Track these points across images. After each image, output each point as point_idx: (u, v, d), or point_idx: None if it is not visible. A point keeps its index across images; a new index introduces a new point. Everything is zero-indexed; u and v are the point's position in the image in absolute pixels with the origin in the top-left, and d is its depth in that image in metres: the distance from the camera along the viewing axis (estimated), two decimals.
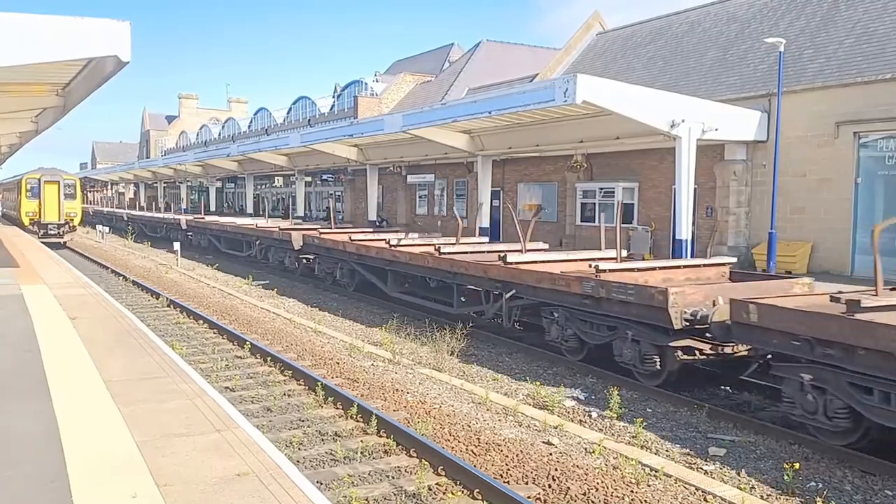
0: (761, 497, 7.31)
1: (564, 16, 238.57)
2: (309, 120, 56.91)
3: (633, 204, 25.56)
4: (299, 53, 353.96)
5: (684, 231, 19.59)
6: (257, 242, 27.64)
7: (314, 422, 9.27)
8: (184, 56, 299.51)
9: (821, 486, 7.63)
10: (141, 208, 66.50)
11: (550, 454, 8.16)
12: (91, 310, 13.30)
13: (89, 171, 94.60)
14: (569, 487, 7.18)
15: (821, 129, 20.38)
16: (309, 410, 9.69)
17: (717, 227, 18.17)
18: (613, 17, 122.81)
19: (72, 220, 40.16)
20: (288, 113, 61.92)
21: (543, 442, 8.61)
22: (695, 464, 8.21)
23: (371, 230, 26.90)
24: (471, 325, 14.65)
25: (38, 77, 13.76)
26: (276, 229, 26.52)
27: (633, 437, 8.95)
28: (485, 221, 27.02)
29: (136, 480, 5.44)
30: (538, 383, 11.07)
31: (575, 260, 14.79)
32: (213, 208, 53.76)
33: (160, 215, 46.95)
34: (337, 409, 9.70)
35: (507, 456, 8.04)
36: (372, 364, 12.46)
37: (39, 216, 39.24)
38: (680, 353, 10.44)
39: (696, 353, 10.46)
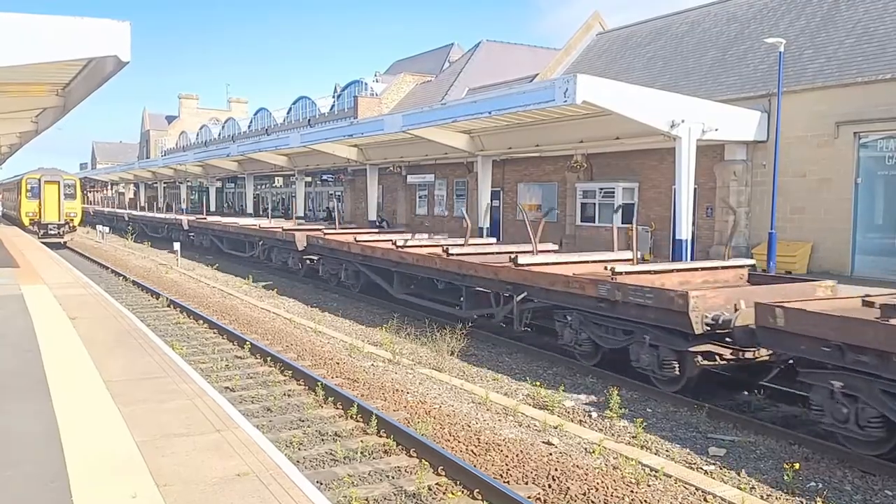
0: (761, 497, 7.30)
1: (564, 16, 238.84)
2: (309, 120, 56.94)
3: (633, 204, 25.58)
4: (299, 53, 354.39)
5: (684, 231, 19.60)
6: (260, 243, 27.40)
7: (314, 422, 9.27)
8: (184, 56, 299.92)
9: (821, 486, 7.63)
10: (142, 208, 66.53)
11: (550, 454, 8.15)
12: (91, 310, 13.30)
13: (89, 172, 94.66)
14: (569, 487, 7.18)
15: (821, 129, 20.39)
16: (309, 410, 9.68)
17: (735, 227, 17.39)
18: (613, 18, 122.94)
19: (72, 220, 40.16)
20: (288, 113, 61.97)
21: (543, 442, 8.61)
22: (695, 464, 8.21)
23: (377, 231, 26.86)
24: (470, 324, 14.64)
25: (38, 77, 13.77)
26: (280, 230, 26.27)
27: (633, 437, 8.94)
28: (486, 222, 27.02)
29: (136, 480, 5.44)
30: (538, 383, 11.06)
31: (588, 262, 14.41)
32: (213, 208, 53.79)
33: (162, 216, 46.84)
34: (337, 409, 9.70)
35: (507, 456, 8.03)
36: (372, 364, 12.46)
37: (39, 216, 39.24)
38: (700, 358, 10.11)
39: (717, 358, 10.10)
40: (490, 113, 21.97)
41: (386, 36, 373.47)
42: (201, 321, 16.34)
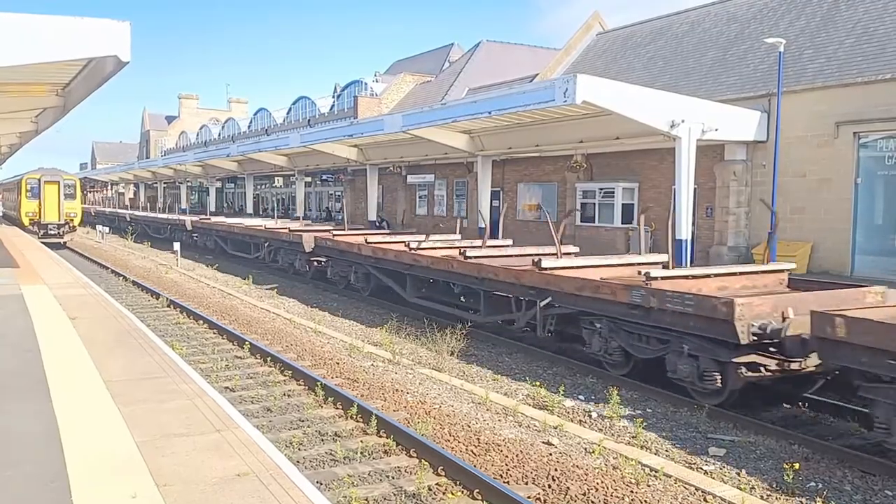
0: (761, 497, 7.31)
1: (564, 16, 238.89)
2: (309, 120, 56.93)
3: (632, 204, 25.58)
4: (299, 53, 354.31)
5: (684, 231, 19.60)
6: (266, 244, 26.84)
7: (314, 422, 9.27)
8: (184, 56, 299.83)
9: (821, 486, 7.63)
10: (143, 208, 66.50)
11: (550, 454, 8.15)
12: (91, 310, 13.31)
13: (89, 172, 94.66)
14: (569, 487, 7.18)
15: (821, 129, 20.39)
16: (309, 410, 9.69)
17: (776, 226, 16.58)
18: (613, 18, 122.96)
19: (72, 220, 40.17)
20: (288, 113, 61.96)
21: (543, 442, 8.61)
22: (695, 464, 8.21)
23: (388, 231, 26.66)
24: (470, 325, 14.62)
25: (38, 77, 13.77)
26: (286, 231, 25.72)
27: (633, 437, 8.95)
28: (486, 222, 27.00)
29: (135, 480, 5.45)
30: (538, 383, 11.06)
31: (616, 265, 13.76)
32: (212, 208, 53.80)
33: (164, 216, 46.62)
34: (337, 409, 9.70)
35: (506, 456, 8.04)
36: (372, 364, 12.46)
37: (39, 216, 39.25)
38: (744, 369, 9.48)
39: (762, 369, 9.49)
40: (490, 113, 21.97)
41: (386, 36, 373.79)
42: (201, 321, 16.35)
